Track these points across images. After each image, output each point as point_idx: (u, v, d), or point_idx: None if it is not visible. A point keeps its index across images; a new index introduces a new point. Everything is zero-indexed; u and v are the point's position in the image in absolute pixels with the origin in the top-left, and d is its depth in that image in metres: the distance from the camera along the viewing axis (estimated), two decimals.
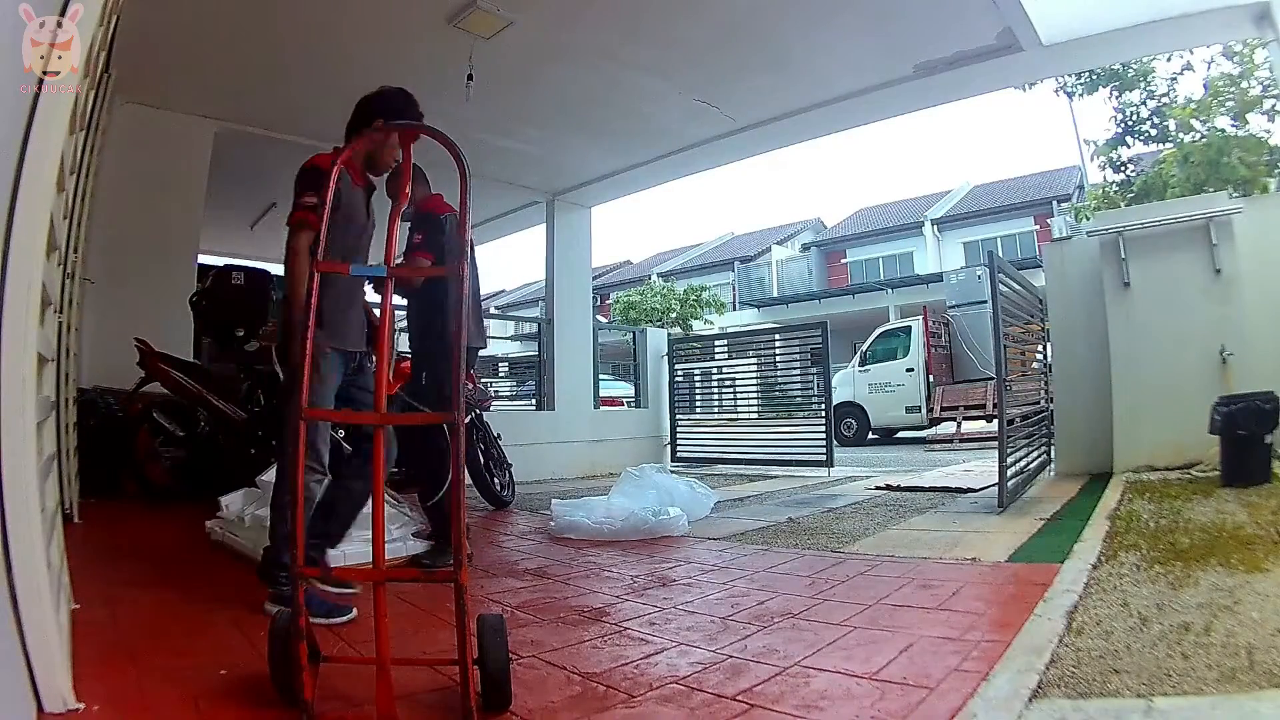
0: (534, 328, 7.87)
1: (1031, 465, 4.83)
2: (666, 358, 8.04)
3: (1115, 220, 5.09)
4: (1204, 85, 8.74)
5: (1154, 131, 9.39)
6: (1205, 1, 4.26)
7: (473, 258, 2.89)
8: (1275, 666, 1.39)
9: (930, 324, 11.38)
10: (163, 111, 4.92)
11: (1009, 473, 3.88)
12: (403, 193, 1.64)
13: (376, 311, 2.06)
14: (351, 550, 2.42)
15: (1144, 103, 9.37)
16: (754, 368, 8.04)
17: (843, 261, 24.17)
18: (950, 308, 11.99)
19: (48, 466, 1.54)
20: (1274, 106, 8.21)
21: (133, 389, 4.08)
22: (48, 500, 1.40)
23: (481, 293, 3.43)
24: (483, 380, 5.96)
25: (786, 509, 4.27)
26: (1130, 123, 9.48)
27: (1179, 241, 4.68)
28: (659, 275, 23.51)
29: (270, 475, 2.73)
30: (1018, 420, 4.63)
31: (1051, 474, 5.29)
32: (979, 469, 5.97)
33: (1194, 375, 4.38)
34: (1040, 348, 6.00)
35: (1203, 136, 8.56)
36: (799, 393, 7.67)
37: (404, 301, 3.00)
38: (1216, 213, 4.57)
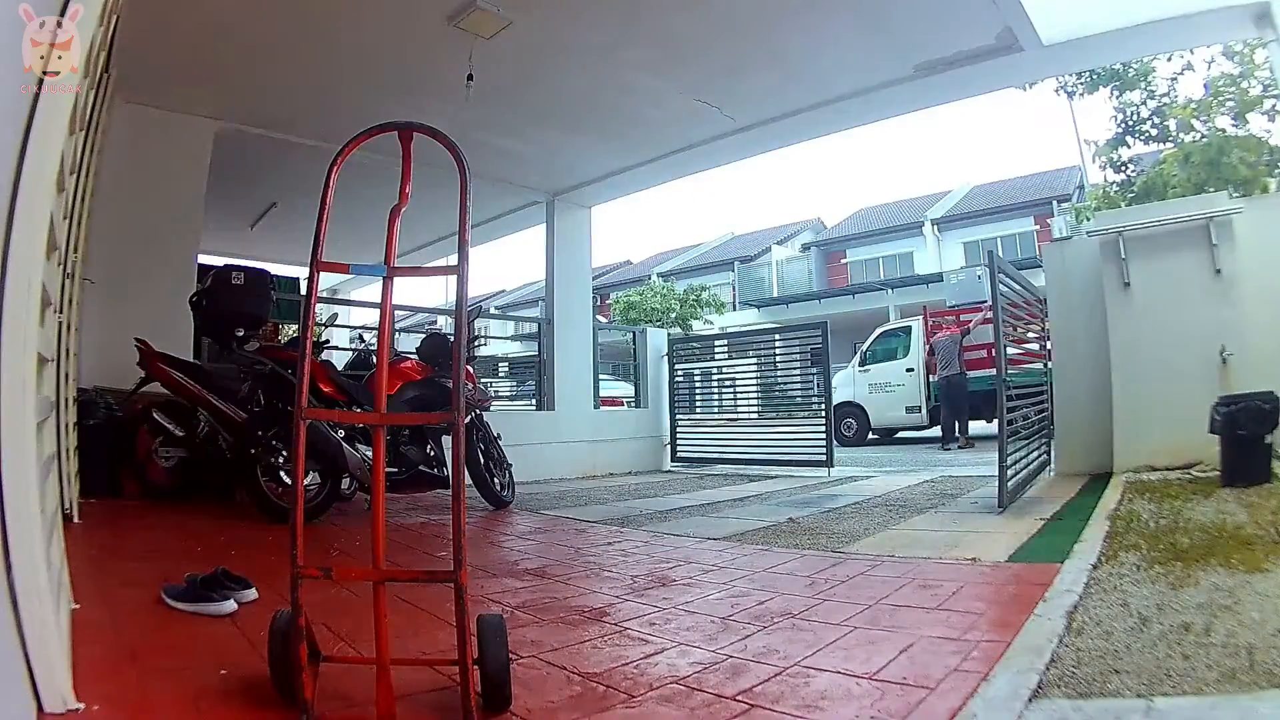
0: (534, 328, 7.86)
1: (1031, 465, 4.83)
2: (666, 358, 8.04)
3: (1115, 220, 5.09)
4: (1204, 85, 8.73)
5: (1154, 131, 9.38)
6: (1205, 1, 4.26)
7: None
8: (1275, 666, 1.39)
9: (930, 324, 11.38)
10: (163, 111, 4.92)
11: (1009, 473, 3.88)
12: (403, 193, 1.65)
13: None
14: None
15: (1144, 103, 9.35)
16: (754, 368, 8.04)
17: (843, 261, 24.18)
18: (950, 308, 12.00)
19: (48, 466, 1.54)
20: (1274, 106, 8.20)
21: (133, 389, 4.08)
22: (48, 500, 1.40)
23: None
24: (483, 380, 5.96)
25: (787, 509, 4.27)
26: (1131, 123, 9.47)
27: (1179, 241, 4.68)
28: (659, 275, 23.51)
29: None
30: (1018, 420, 4.63)
31: (1051, 474, 5.29)
32: (979, 469, 5.97)
33: (1194, 375, 4.38)
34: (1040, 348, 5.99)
35: (1203, 136, 8.55)
36: (799, 393, 7.67)
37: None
38: (1216, 213, 4.57)
